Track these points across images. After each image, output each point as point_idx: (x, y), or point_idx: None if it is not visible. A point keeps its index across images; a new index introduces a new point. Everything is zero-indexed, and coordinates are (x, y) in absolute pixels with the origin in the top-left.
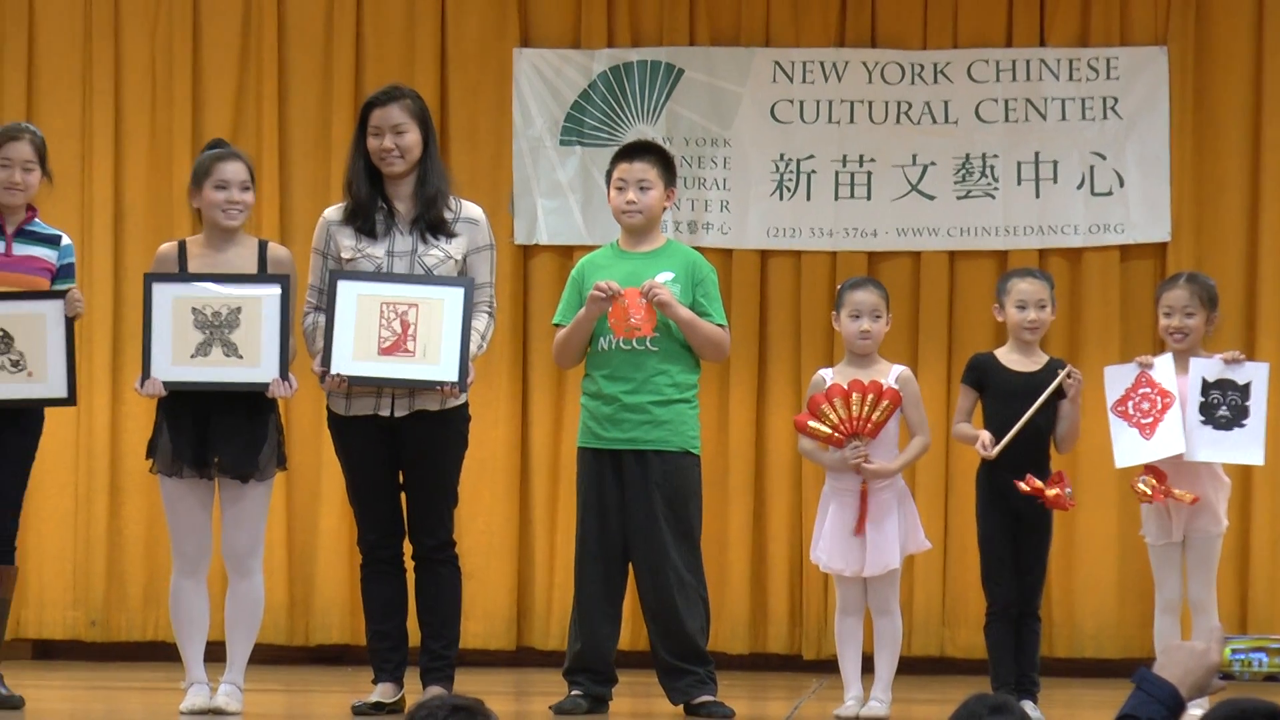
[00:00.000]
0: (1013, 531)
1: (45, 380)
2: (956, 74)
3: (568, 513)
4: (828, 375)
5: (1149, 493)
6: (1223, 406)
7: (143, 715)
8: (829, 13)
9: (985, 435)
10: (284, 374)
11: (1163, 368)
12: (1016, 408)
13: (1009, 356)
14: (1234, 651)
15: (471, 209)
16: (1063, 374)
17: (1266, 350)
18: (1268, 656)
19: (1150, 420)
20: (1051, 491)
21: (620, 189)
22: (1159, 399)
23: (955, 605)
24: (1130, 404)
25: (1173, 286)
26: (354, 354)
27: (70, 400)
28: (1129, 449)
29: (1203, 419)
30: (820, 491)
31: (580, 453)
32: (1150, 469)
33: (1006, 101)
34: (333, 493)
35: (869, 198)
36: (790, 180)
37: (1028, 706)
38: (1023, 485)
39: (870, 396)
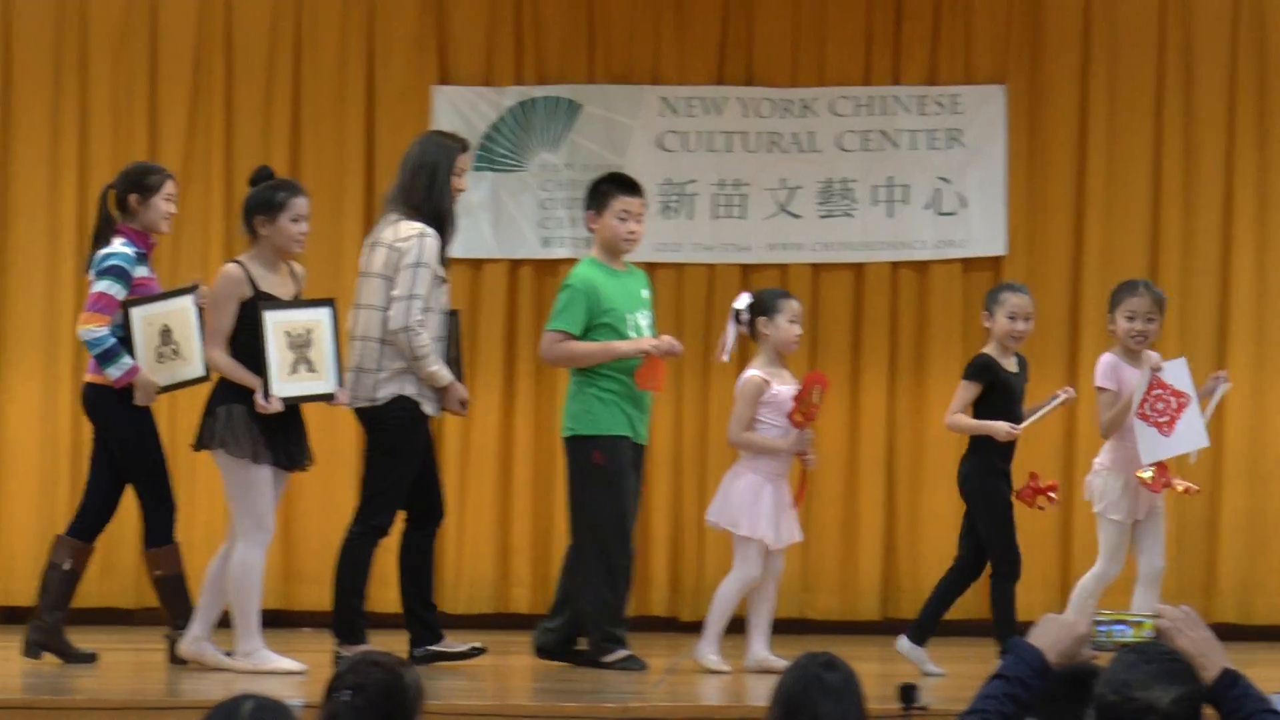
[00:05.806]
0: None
1: (192, 363)
2: (821, 109)
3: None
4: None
5: (1149, 481)
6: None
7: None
8: (709, 54)
9: (1003, 425)
10: (340, 384)
11: (1173, 370)
12: (1009, 402)
13: (1002, 359)
14: (1098, 624)
15: None
16: (1064, 395)
17: (1089, 353)
18: (1130, 629)
19: (1167, 419)
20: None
21: (624, 220)
22: (1173, 399)
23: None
24: (1147, 405)
25: (1133, 293)
26: None
27: (207, 377)
28: (1151, 447)
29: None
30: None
31: (621, 441)
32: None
33: (864, 133)
34: None
35: (744, 217)
36: (675, 202)
37: None
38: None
39: (823, 392)
